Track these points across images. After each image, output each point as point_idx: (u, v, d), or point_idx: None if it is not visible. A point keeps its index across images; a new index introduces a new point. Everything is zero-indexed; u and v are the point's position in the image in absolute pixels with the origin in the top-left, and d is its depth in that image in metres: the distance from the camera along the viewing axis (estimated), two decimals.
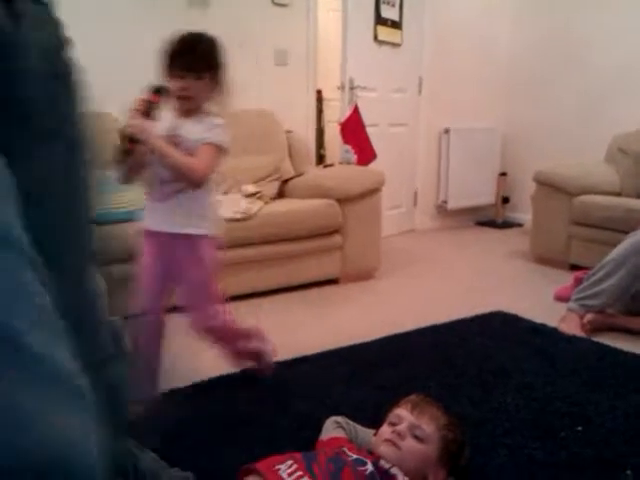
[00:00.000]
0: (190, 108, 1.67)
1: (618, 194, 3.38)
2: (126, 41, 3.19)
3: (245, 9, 3.59)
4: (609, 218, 3.07)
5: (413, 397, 1.39)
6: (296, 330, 2.51)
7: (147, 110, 1.58)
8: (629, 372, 2.05)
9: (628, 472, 1.49)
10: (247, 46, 3.64)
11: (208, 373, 2.00)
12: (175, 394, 1.87)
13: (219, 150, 1.69)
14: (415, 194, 4.67)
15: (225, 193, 3.15)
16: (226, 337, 1.83)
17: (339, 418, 1.46)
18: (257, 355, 1.92)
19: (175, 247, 1.68)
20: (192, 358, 2.21)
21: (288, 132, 3.62)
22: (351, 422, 1.47)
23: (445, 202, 4.69)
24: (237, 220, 2.81)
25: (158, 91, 1.62)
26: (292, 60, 3.82)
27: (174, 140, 1.62)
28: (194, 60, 1.63)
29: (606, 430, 1.65)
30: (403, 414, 1.33)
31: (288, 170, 3.45)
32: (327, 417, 1.48)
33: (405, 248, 4.06)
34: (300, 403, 1.81)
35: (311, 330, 2.51)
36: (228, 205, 2.89)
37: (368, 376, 1.99)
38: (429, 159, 4.64)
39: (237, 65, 3.53)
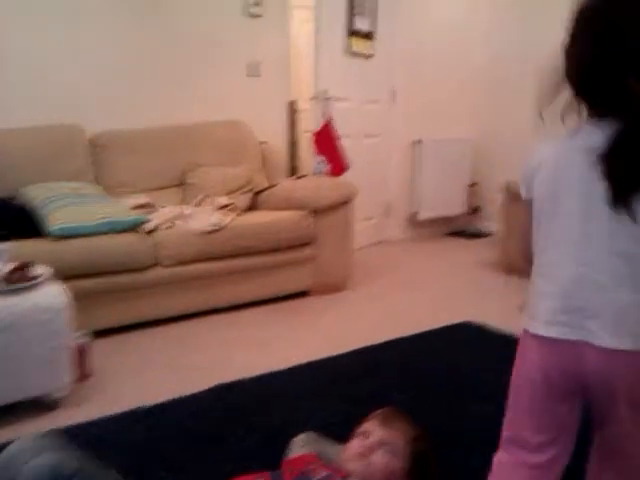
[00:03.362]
0: None
1: None
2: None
3: (217, 20, 3.60)
4: None
5: (382, 411, 1.40)
6: (267, 344, 2.51)
7: None
8: None
9: None
10: (220, 57, 3.64)
11: (178, 390, 1.99)
12: (145, 412, 1.86)
13: None
14: (387, 205, 4.70)
15: (197, 205, 3.14)
16: None
17: (305, 436, 1.46)
18: None
19: None
20: (167, 374, 2.21)
21: (262, 143, 3.62)
22: (321, 437, 1.47)
23: (417, 213, 4.74)
24: (209, 232, 2.80)
25: None
26: (265, 71, 3.84)
27: None
28: None
29: None
30: (372, 428, 1.33)
31: (261, 181, 3.45)
32: (297, 433, 1.48)
33: (377, 259, 4.09)
34: (270, 419, 1.81)
35: (282, 344, 2.52)
36: (200, 218, 2.89)
37: (338, 390, 2.00)
38: (401, 170, 4.68)
39: (210, 76, 3.60)
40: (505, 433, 1.10)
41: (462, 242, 4.72)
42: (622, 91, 0.89)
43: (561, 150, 0.99)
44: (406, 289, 3.36)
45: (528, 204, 1.04)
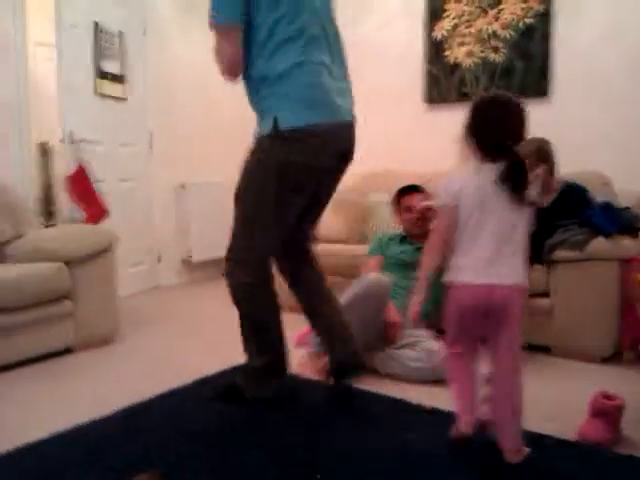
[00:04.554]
0: None
1: (344, 241, 3.69)
2: None
3: None
4: (335, 263, 3.33)
5: (142, 477, 1.28)
6: (22, 412, 2.18)
7: None
8: (361, 409, 2.19)
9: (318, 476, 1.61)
10: None
11: None
12: None
13: None
14: (157, 250, 4.53)
15: None
16: None
17: None
18: None
19: None
20: None
21: (1, 190, 3.21)
22: None
23: (190, 256, 4.65)
24: None
25: None
26: (1, 111, 3.44)
27: None
28: None
29: (345, 471, 1.72)
30: None
31: (5, 231, 3.05)
32: None
33: (149, 307, 3.89)
34: None
35: (40, 410, 2.21)
36: None
37: (102, 457, 1.79)
38: (167, 214, 4.57)
39: None
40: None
41: None
42: (504, 148, 1.71)
43: (476, 179, 1.73)
44: (181, 335, 3.23)
45: (451, 210, 1.75)
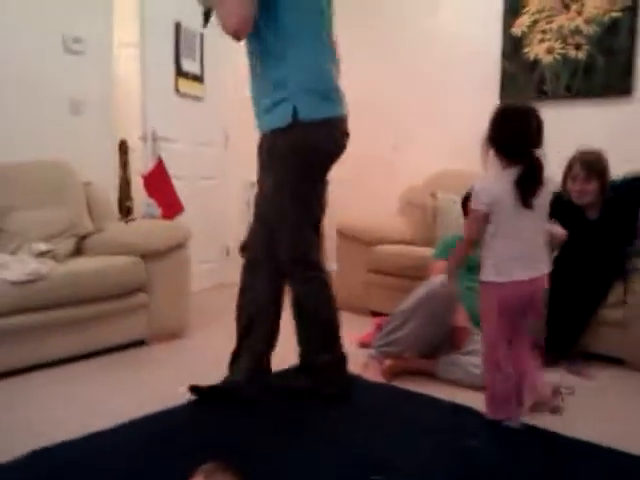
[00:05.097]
0: None
1: (410, 243, 3.65)
2: None
3: (37, 56, 3.36)
4: (401, 266, 3.30)
5: (207, 466, 1.33)
6: (96, 401, 2.29)
7: None
8: (420, 413, 2.17)
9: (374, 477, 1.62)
10: (40, 94, 3.39)
11: None
12: None
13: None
14: (226, 247, 4.64)
15: (12, 253, 2.83)
16: None
17: None
18: None
19: None
20: None
21: (86, 184, 3.39)
22: None
23: None
24: (26, 283, 2.53)
25: None
26: (88, 109, 3.63)
27: None
28: None
29: (404, 476, 1.71)
30: None
31: (87, 225, 3.21)
32: None
33: (217, 302, 3.99)
34: None
35: (114, 399, 2.31)
36: (15, 267, 2.60)
37: (171, 445, 1.87)
38: (238, 212, 4.66)
39: (30, 114, 3.32)
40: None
41: None
42: (525, 153, 1.92)
43: (502, 184, 1.93)
44: None
45: (484, 216, 1.95)
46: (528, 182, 1.90)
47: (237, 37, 1.98)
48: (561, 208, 2.42)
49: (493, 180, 1.98)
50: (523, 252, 1.95)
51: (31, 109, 3.38)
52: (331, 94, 2.12)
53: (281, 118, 2.05)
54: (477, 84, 4.07)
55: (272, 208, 2.16)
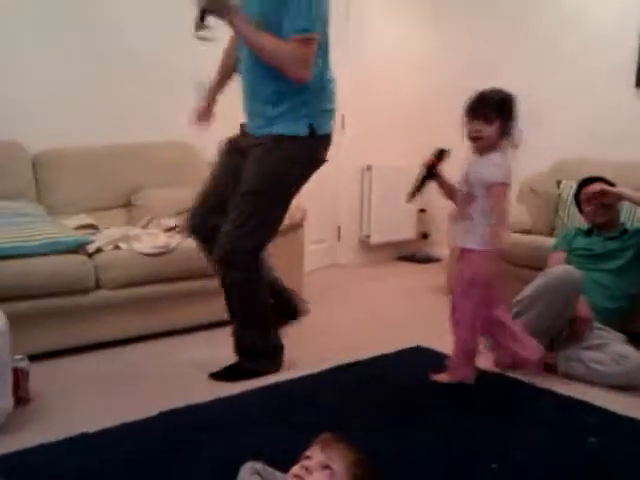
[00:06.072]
0: (481, 146, 2.17)
1: (529, 232, 3.52)
2: None
3: (165, 39, 3.54)
4: (520, 255, 3.19)
5: (324, 436, 1.37)
6: (213, 369, 2.43)
7: (430, 171, 2.23)
8: (539, 407, 2.12)
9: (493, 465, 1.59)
10: (165, 77, 3.57)
11: (120, 417, 1.90)
12: (86, 439, 1.76)
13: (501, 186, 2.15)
14: (339, 229, 4.71)
15: (143, 227, 3.05)
16: None
17: (256, 465, 1.40)
18: None
19: None
20: (108, 400, 2.10)
21: (210, 165, 3.55)
22: (268, 468, 1.42)
23: (368, 237, 4.76)
24: (155, 255, 2.72)
25: (440, 154, 2.22)
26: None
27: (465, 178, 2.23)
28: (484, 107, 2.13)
29: (520, 466, 1.68)
30: (313, 453, 1.32)
31: None
32: (243, 463, 1.42)
33: (328, 283, 4.07)
34: (216, 448, 1.74)
35: None
36: (146, 240, 2.80)
37: (287, 417, 1.95)
38: (351, 194, 4.70)
39: (154, 95, 3.53)
40: None
41: (412, 267, 4.75)
42: None
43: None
44: (357, 313, 3.35)
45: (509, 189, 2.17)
46: None
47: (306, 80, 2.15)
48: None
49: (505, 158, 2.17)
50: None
51: (158, 92, 3.56)
52: (334, 113, 2.34)
53: (298, 128, 2.20)
54: (613, 68, 3.81)
55: (259, 200, 2.22)
